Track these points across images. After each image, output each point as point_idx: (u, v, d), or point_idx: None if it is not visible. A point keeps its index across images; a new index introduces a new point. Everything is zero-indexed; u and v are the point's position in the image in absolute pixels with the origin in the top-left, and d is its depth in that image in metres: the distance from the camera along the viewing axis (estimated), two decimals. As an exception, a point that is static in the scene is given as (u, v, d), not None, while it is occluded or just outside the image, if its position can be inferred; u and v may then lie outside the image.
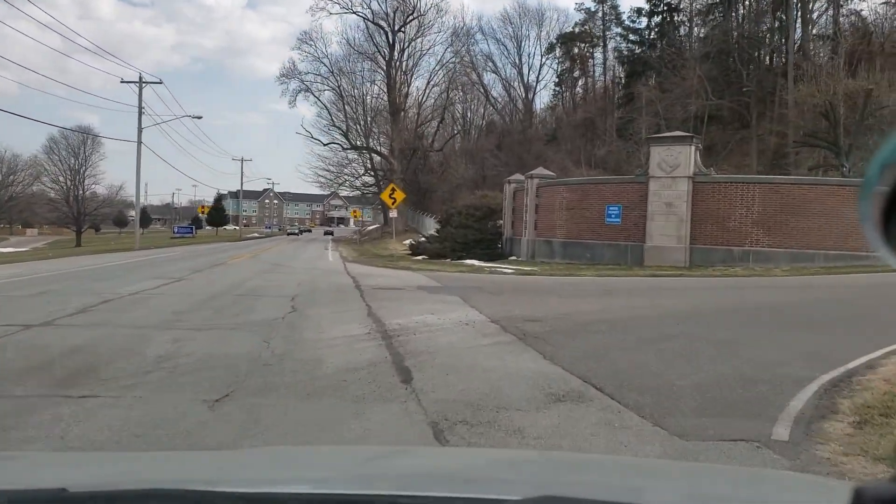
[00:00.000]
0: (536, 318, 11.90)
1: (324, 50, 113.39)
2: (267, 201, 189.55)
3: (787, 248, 23.30)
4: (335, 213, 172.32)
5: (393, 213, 31.10)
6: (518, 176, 32.74)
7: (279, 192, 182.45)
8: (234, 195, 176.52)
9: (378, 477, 1.67)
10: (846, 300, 14.70)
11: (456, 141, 75.65)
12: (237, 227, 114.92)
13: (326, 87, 65.17)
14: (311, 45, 67.11)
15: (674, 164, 24.23)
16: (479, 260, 30.56)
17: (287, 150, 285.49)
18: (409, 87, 65.86)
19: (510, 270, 25.03)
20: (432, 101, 67.38)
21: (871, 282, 18.83)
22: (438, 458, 2.46)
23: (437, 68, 65.25)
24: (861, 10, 51.99)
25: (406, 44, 63.22)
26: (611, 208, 25.80)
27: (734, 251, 23.74)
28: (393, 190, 28.80)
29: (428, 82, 65.44)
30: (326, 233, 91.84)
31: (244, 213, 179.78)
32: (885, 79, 30.72)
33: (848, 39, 40.49)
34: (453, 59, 64.25)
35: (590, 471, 1.91)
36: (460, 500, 1.26)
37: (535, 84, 73.56)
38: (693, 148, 24.15)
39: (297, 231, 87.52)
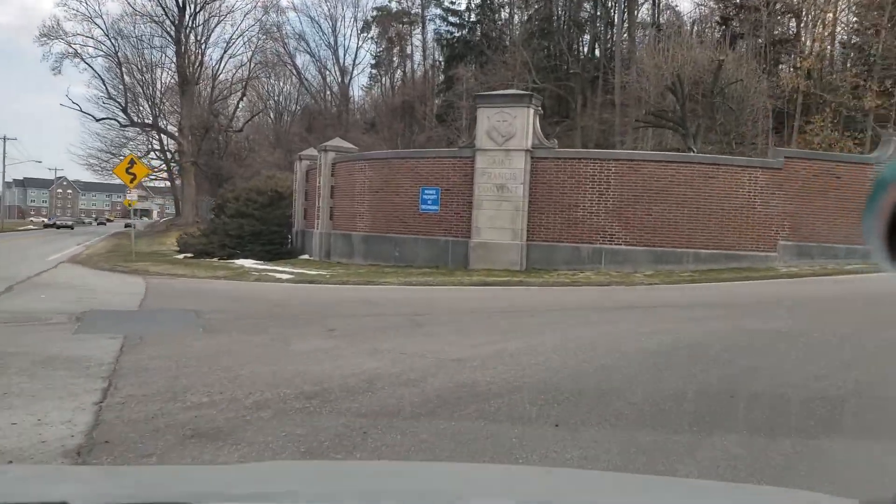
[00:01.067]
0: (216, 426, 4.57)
1: (97, 8, 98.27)
2: (60, 190, 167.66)
3: (650, 246, 17.60)
4: (141, 205, 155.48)
5: (131, 195, 22.40)
6: (311, 151, 25.11)
7: (73, 181, 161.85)
8: (20, 183, 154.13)
9: (379, 493, 1.67)
10: (806, 336, 8.61)
11: (267, 126, 66.65)
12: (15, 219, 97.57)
13: (101, 53, 53.73)
14: (78, 1, 55.12)
15: (507, 133, 17.76)
16: (257, 259, 22.66)
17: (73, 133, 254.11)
18: (203, 56, 55.84)
19: (287, 276, 17.46)
20: (231, 74, 57.88)
21: (773, 293, 13.26)
22: (440, 474, 2.20)
23: (236, 37, 55.86)
24: (676, 5, 49.29)
25: (199, 6, 53.26)
26: (427, 192, 18.92)
27: (583, 250, 17.72)
28: (132, 163, 20.20)
29: (224, 51, 55.81)
30: (127, 225, 78.82)
31: (32, 204, 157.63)
32: (733, 52, 26.57)
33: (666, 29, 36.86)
34: (255, 28, 55.11)
35: (593, 488, 1.88)
36: None
37: (351, 67, 66.10)
38: (532, 111, 17.82)
39: (69, 224, 73.81)
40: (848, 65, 36.13)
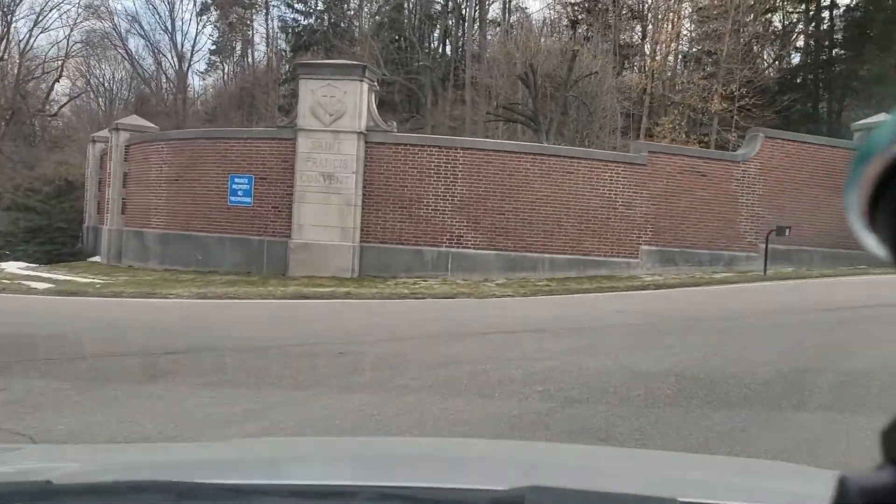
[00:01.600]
0: None
1: None
2: None
3: (503, 250, 14.95)
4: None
5: None
6: (105, 132, 20.57)
7: None
8: None
9: (368, 466, 1.64)
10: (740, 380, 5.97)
11: (96, 113, 59.09)
12: None
13: None
14: None
15: (336, 111, 14.49)
16: (31, 262, 18.00)
17: None
18: (8, 28, 48.22)
19: (47, 285, 13.24)
20: (46, 52, 50.52)
21: (647, 311, 10.89)
22: (429, 447, 2.26)
23: (48, 9, 48.67)
24: (527, 7, 47.95)
25: (0, -31, 45.74)
26: (237, 181, 15.24)
27: (427, 254, 14.79)
28: None
29: (35, 24, 48.51)
30: None
31: None
32: (588, 44, 24.77)
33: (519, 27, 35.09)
34: (72, 0, 48.28)
35: (578, 460, 1.89)
36: (447, 490, 1.21)
37: (190, 54, 59.99)
38: (366, 87, 14.66)
39: None
40: (690, 69, 35.86)
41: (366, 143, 14.66)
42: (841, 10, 36.09)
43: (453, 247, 14.71)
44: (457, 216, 14.73)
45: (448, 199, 14.70)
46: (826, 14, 37.17)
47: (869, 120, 18.45)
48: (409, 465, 1.66)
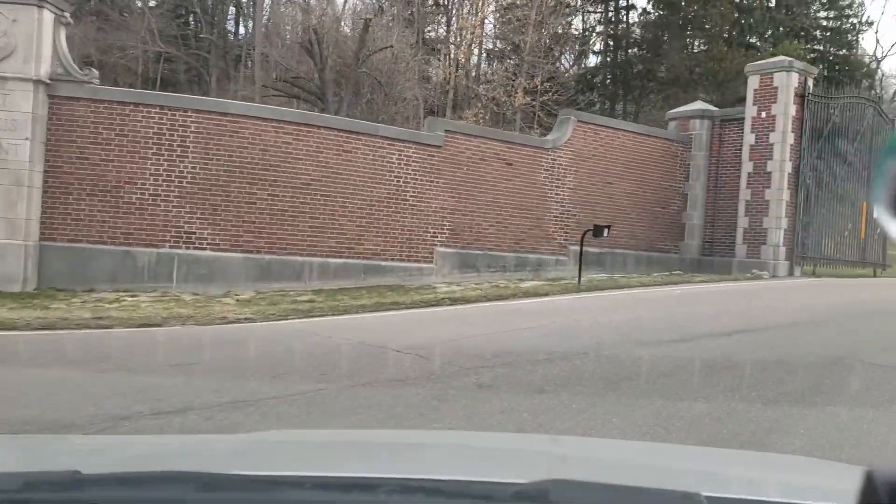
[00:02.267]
0: None
1: None
2: None
3: (252, 252, 10.93)
4: None
5: None
6: None
7: None
8: None
9: (392, 459, 1.63)
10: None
11: None
12: None
13: None
14: None
15: (1, 49, 9.73)
16: None
17: None
18: None
19: None
20: None
21: (454, 346, 7.51)
22: (453, 440, 2.21)
23: None
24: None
25: None
26: None
27: (141, 257, 10.36)
28: None
29: None
30: None
31: None
32: (382, 15, 21.37)
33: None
34: None
35: (602, 454, 1.84)
36: (471, 483, 1.18)
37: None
38: (50, 16, 9.99)
39: None
40: (495, 61, 33.95)
41: (49, 96, 9.99)
42: (638, 11, 36.00)
43: (180, 247, 10.46)
44: (186, 205, 10.49)
45: (174, 182, 10.42)
46: (624, 15, 36.96)
47: (684, 108, 16.61)
48: (432, 458, 1.65)
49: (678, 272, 15.08)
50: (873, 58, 40.72)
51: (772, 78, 14.29)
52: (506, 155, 13.19)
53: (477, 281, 12.16)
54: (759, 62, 15.79)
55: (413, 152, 12.06)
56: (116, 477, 1.18)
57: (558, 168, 13.80)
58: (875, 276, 15.45)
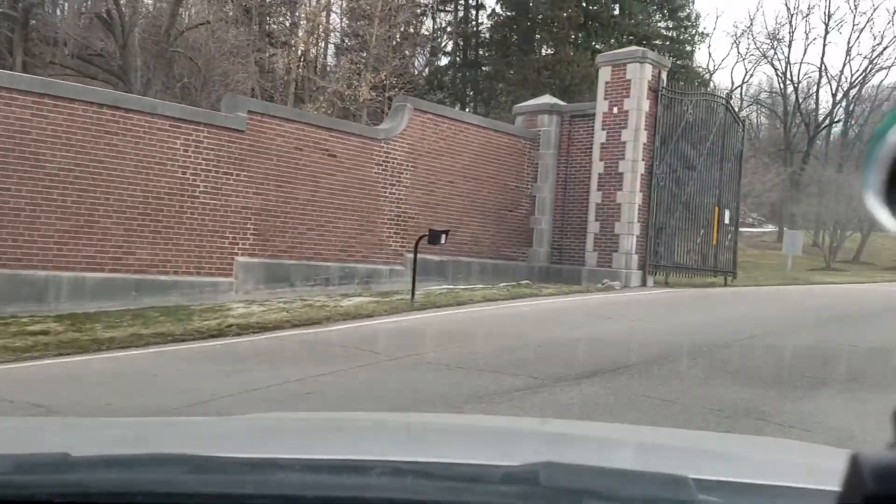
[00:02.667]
0: None
1: None
2: None
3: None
4: None
5: None
6: None
7: None
8: None
9: (382, 441, 1.61)
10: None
11: None
12: None
13: None
14: None
15: None
16: None
17: None
18: None
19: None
20: None
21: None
22: (439, 424, 2.20)
23: None
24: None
25: None
26: None
27: None
28: None
29: None
30: None
31: None
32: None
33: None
34: None
35: (591, 437, 1.84)
36: (461, 466, 1.19)
37: None
38: None
39: None
40: (341, 53, 31.65)
41: None
42: (488, 11, 34.90)
43: None
44: None
45: None
46: (474, 15, 35.80)
47: (531, 102, 15.06)
48: (423, 441, 1.66)
49: (526, 282, 13.45)
50: (706, 70, 42.27)
51: (624, 70, 12.97)
52: (328, 144, 10.90)
53: (289, 299, 9.77)
54: (612, 52, 14.54)
55: (205, 137, 9.49)
56: (106, 459, 1.16)
57: (393, 162, 11.71)
58: (726, 284, 14.63)
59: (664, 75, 13.34)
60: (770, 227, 51.87)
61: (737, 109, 51.65)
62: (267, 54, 28.07)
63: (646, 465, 1.34)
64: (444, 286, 12.08)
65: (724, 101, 14.79)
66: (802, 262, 30.97)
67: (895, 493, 0.50)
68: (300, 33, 29.74)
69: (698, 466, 1.32)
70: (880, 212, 0.53)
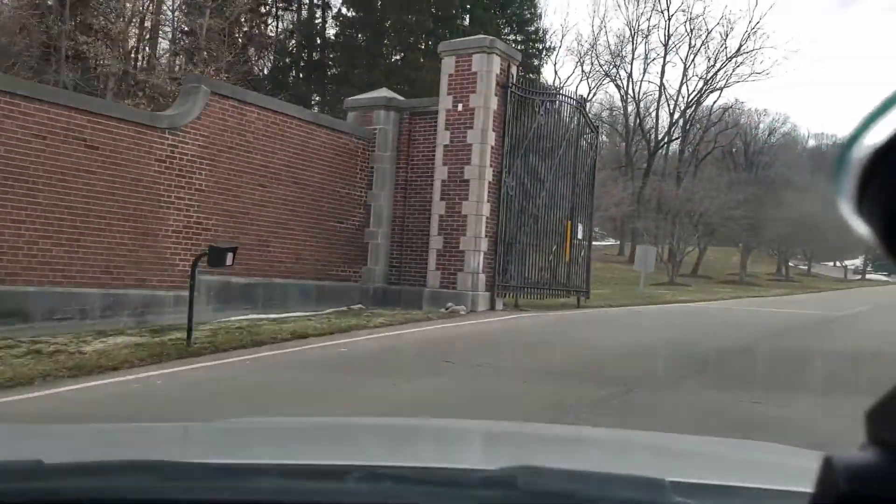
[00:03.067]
0: None
1: None
2: None
3: None
4: None
5: None
6: None
7: None
8: None
9: (360, 446, 1.58)
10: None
11: None
12: None
13: None
14: None
15: None
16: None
17: None
18: None
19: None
20: None
21: None
22: (422, 428, 2.07)
23: None
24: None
25: None
26: None
27: None
28: None
29: None
30: None
31: None
32: None
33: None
34: None
35: (569, 441, 1.85)
36: (439, 470, 1.18)
37: None
38: None
39: None
40: (167, 54, 28.42)
41: None
42: (333, 11, 32.53)
43: None
44: None
45: None
46: (319, 15, 33.33)
47: (366, 95, 12.88)
48: (401, 446, 1.62)
49: (358, 307, 11.23)
50: (553, 87, 42.26)
51: (470, 61, 11.12)
52: (87, 133, 8.12)
53: (8, 344, 6.90)
54: (457, 40, 12.68)
55: None
56: (80, 466, 1.13)
57: (182, 158, 9.09)
58: (579, 305, 13.17)
59: (514, 70, 11.63)
60: (612, 241, 53.18)
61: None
62: (83, 44, 24.24)
63: (622, 468, 1.30)
64: (250, 315, 9.59)
65: (578, 105, 13.35)
66: (647, 276, 31.13)
67: (868, 494, 0.49)
68: (122, 23, 26.09)
69: (674, 469, 1.34)
70: (853, 220, 0.51)
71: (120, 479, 1.05)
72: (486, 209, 11.11)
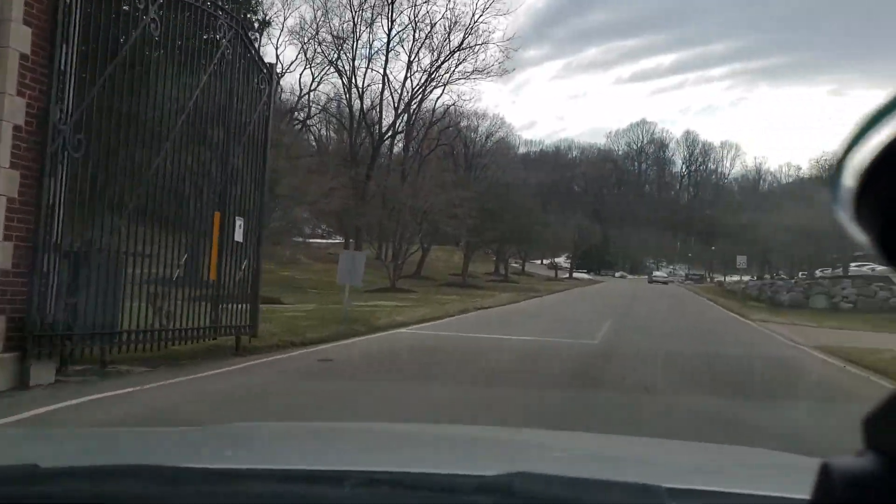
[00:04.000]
0: None
1: None
2: None
3: None
4: None
5: None
6: None
7: None
8: None
9: (357, 452, 1.55)
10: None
11: None
12: None
13: None
14: None
15: None
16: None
17: None
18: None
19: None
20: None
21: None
22: (418, 433, 2.10)
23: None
24: None
25: None
26: None
27: None
28: None
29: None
30: None
31: None
32: None
33: None
34: None
35: (565, 447, 1.83)
36: (436, 476, 1.14)
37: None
38: None
39: None
40: None
41: None
42: None
43: None
44: None
45: None
46: None
47: None
48: (398, 451, 1.60)
49: None
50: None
51: None
52: None
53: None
54: None
55: None
56: (75, 470, 1.13)
57: None
58: (238, 351, 7.84)
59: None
60: (339, 239, 48.68)
61: (304, 118, 47.34)
62: None
63: (618, 474, 1.30)
64: None
65: (233, 21, 7.88)
66: (365, 279, 26.79)
67: (865, 501, 0.48)
68: None
69: (670, 475, 1.32)
70: (851, 227, 0.50)
71: (116, 484, 1.03)
72: (8, 185, 5.26)
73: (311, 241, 42.98)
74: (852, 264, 46.94)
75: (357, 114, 42.13)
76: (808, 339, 13.15)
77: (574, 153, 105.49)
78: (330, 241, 49.35)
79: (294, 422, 3.64)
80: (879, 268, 49.74)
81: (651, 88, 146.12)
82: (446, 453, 1.58)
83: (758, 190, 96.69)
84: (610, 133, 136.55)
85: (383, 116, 41.11)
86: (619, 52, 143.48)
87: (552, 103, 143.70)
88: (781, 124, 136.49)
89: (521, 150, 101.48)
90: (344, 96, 42.41)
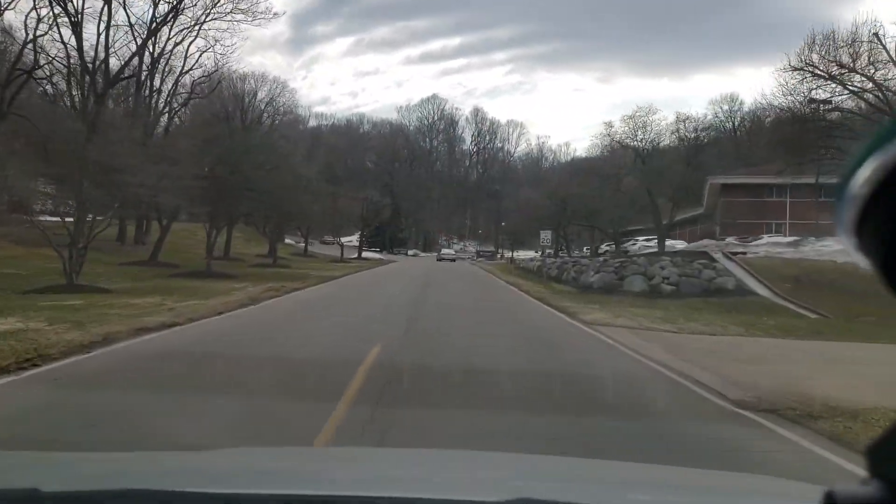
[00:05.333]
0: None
1: None
2: None
3: None
4: None
5: None
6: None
7: None
8: None
9: (356, 477, 1.49)
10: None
11: None
12: None
13: None
14: None
15: None
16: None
17: None
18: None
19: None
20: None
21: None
22: (419, 459, 2.05)
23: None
24: None
25: None
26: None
27: None
28: None
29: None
30: None
31: None
32: None
33: None
34: None
35: (564, 472, 1.75)
36: (437, 502, 1.12)
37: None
38: None
39: None
40: None
41: None
42: None
43: None
44: None
45: None
46: None
47: None
48: (399, 477, 1.53)
49: None
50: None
51: None
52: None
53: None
54: None
55: None
56: (75, 494, 1.09)
57: None
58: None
59: None
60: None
61: (29, 68, 34.79)
62: None
63: (619, 499, 1.26)
64: None
65: None
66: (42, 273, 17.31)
67: None
68: None
69: (672, 500, 1.28)
70: (854, 254, 0.48)
71: None
72: None
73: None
74: (625, 240, 45.42)
75: (85, 58, 31.10)
76: (696, 365, 7.17)
77: (366, 127, 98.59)
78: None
79: (295, 447, 3.43)
80: (643, 241, 48.82)
81: (440, 69, 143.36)
82: (449, 479, 1.49)
83: (539, 166, 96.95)
84: (401, 107, 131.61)
85: (114, 54, 30.52)
86: (407, 33, 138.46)
87: (345, 80, 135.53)
88: (560, 105, 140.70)
89: (312, 123, 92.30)
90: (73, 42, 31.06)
